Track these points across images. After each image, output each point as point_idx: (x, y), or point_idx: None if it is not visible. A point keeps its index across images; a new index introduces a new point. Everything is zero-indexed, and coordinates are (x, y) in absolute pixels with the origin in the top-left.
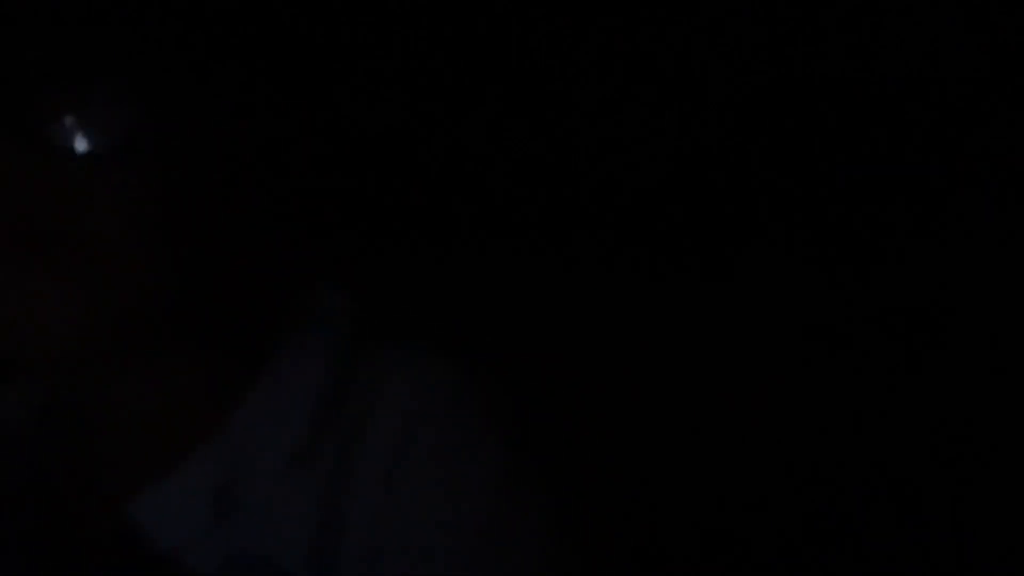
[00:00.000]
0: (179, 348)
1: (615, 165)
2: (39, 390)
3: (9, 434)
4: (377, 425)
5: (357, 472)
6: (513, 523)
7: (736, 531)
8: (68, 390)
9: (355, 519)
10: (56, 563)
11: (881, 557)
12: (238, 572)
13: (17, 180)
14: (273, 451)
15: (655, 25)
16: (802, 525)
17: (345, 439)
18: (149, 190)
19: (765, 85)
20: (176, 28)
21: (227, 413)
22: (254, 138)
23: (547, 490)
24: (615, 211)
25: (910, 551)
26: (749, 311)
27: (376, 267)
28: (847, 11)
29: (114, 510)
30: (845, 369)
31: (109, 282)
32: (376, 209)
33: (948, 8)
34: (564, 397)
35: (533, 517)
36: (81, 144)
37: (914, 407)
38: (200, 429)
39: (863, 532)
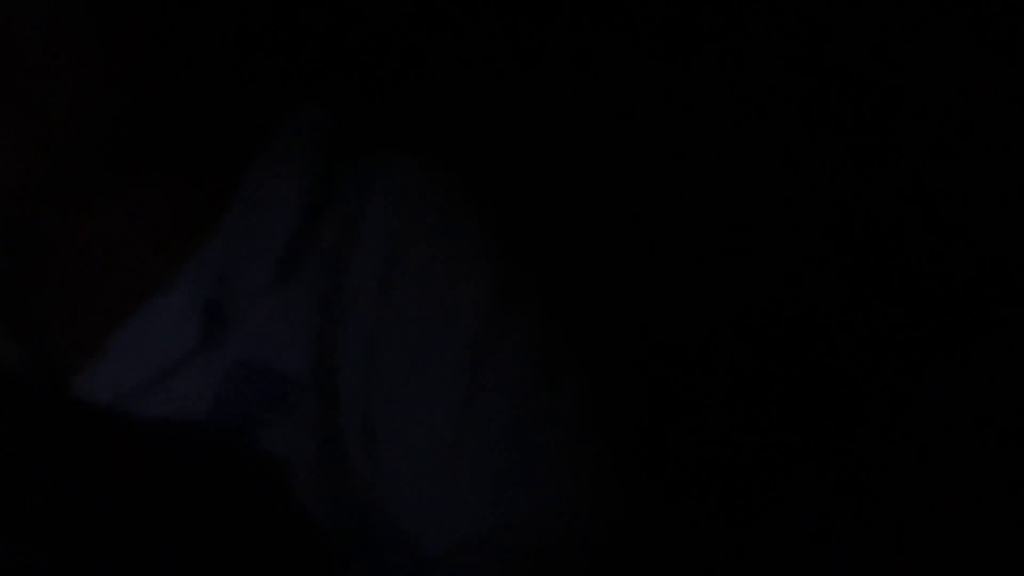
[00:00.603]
0: (145, 169)
1: None
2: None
3: None
4: (367, 234)
5: (350, 281)
6: (504, 339)
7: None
8: (31, 226)
9: (351, 329)
10: (42, 405)
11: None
12: (239, 386)
13: None
14: (258, 263)
15: None
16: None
17: (334, 249)
18: (93, 11)
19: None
20: None
21: (207, 230)
22: None
23: (539, 306)
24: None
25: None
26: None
27: (361, 78)
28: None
29: (98, 342)
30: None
31: (47, 107)
32: (355, 17)
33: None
34: (559, 210)
35: (524, 334)
36: None
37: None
38: (180, 249)
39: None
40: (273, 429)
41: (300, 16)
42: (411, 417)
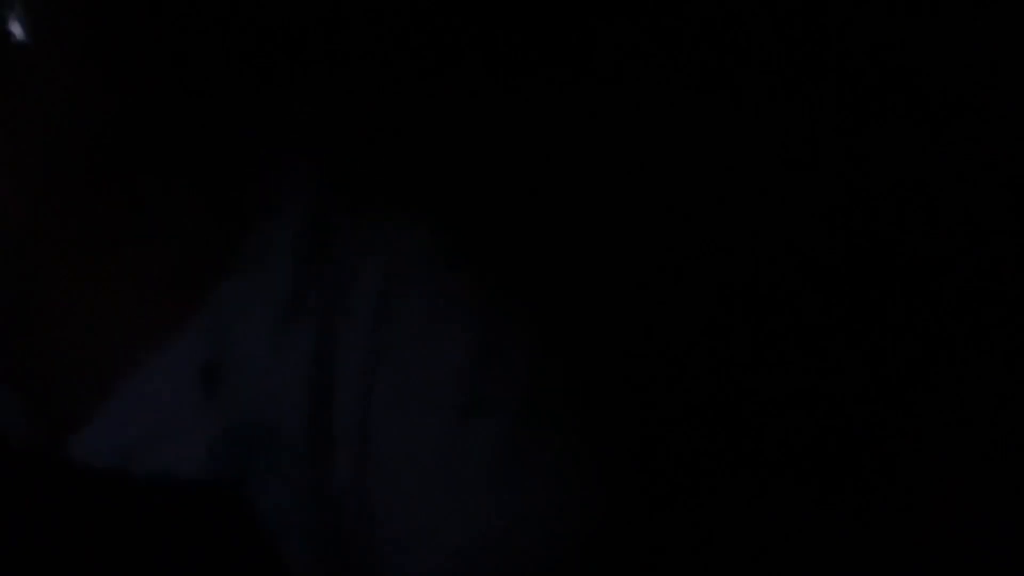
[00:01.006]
0: (147, 226)
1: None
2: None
3: None
4: (359, 291)
5: (344, 336)
6: (490, 388)
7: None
8: (34, 277)
9: (343, 383)
10: (35, 464)
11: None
12: (235, 444)
13: None
14: (256, 322)
15: None
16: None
17: (328, 304)
18: (101, 71)
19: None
20: None
21: (206, 289)
22: (213, 16)
23: (526, 349)
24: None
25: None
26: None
27: (351, 134)
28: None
29: (97, 396)
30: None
31: (62, 166)
32: (348, 70)
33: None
34: (542, 259)
35: (508, 383)
36: (29, 31)
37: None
38: (179, 307)
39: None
40: (266, 481)
41: (294, 73)
42: (403, 459)
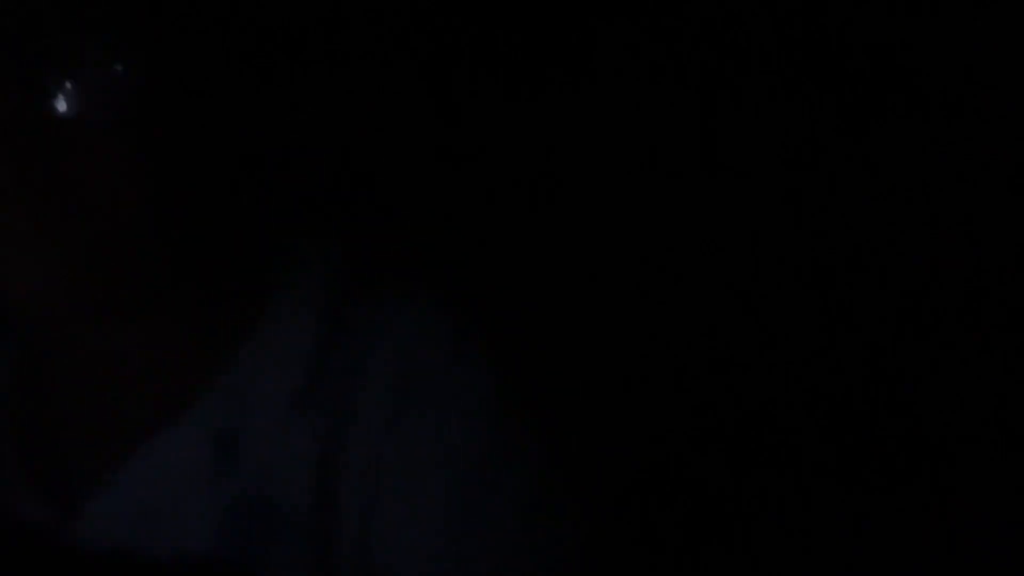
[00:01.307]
0: (172, 301)
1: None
2: (19, 344)
3: None
4: (376, 372)
5: (357, 417)
6: (504, 471)
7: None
8: (55, 344)
9: (355, 462)
10: (47, 521)
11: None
12: (241, 517)
13: (14, 139)
14: (272, 398)
15: None
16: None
17: (344, 384)
18: (142, 149)
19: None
20: None
21: (225, 362)
22: (244, 99)
23: (539, 434)
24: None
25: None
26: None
27: (367, 215)
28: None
29: (111, 463)
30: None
31: (98, 238)
32: (364, 159)
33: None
34: (558, 337)
35: (523, 468)
36: (77, 107)
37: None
38: (196, 379)
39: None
40: (271, 557)
41: (316, 158)
42: (407, 546)
